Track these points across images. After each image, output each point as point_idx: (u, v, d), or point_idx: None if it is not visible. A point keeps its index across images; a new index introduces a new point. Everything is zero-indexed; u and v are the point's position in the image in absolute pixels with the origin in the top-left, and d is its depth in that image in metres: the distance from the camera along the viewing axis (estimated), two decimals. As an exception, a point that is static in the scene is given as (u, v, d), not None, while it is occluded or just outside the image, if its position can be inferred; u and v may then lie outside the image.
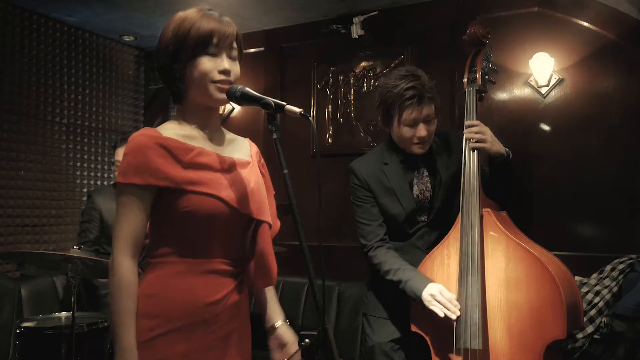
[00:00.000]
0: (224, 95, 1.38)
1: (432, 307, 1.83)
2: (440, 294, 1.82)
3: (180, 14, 1.40)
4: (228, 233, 1.41)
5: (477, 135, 1.95)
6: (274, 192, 1.59)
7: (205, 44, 1.35)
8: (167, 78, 1.42)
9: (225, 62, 1.37)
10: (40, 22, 3.75)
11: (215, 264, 1.39)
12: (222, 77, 1.37)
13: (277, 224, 1.54)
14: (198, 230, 1.37)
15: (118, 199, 1.34)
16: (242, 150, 1.54)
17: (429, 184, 2.10)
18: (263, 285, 1.48)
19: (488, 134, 1.97)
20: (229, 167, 1.42)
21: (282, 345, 1.52)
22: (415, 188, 2.10)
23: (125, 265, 1.31)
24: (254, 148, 1.58)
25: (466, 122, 1.99)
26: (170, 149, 1.33)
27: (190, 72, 1.37)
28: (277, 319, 1.55)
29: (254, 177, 1.47)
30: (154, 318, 1.33)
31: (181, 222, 1.35)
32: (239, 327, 1.46)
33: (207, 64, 1.36)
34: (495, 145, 1.97)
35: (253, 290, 1.58)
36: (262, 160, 1.60)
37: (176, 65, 1.37)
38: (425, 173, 2.11)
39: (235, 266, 1.44)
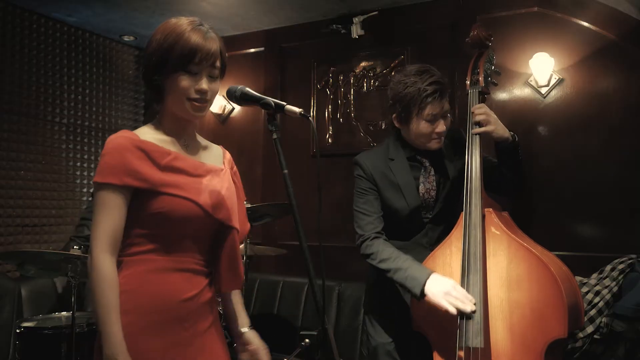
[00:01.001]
0: (198, 113, 1.42)
1: (441, 302, 1.79)
2: (454, 289, 1.79)
3: (172, 22, 1.41)
4: (199, 235, 1.45)
5: (481, 116, 1.96)
6: (244, 199, 1.64)
7: (186, 61, 1.37)
8: (148, 83, 1.45)
9: (203, 83, 1.39)
10: (40, 22, 3.75)
11: (187, 262, 1.43)
12: (197, 96, 1.39)
13: (247, 227, 1.60)
14: (171, 231, 1.40)
15: (95, 198, 1.36)
16: (216, 157, 1.57)
17: (434, 183, 2.10)
18: (230, 288, 1.50)
19: (492, 116, 1.98)
20: (204, 173, 1.46)
21: (252, 352, 1.56)
22: (421, 187, 2.09)
23: (105, 261, 1.33)
24: (227, 155, 1.62)
25: (472, 109, 2.01)
26: (147, 152, 1.36)
27: (169, 85, 1.40)
28: (244, 325, 1.58)
29: (226, 184, 1.51)
30: (127, 314, 1.35)
31: (156, 222, 1.38)
32: (212, 325, 1.49)
33: (185, 82, 1.38)
34: (499, 129, 1.97)
35: (220, 295, 1.60)
36: (235, 167, 1.63)
37: (156, 76, 1.40)
38: (432, 172, 2.11)
39: (207, 267, 1.48)
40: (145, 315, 1.36)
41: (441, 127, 2.00)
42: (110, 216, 1.34)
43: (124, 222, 1.37)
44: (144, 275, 1.38)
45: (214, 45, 1.40)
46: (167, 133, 1.46)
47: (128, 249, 1.40)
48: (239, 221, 1.53)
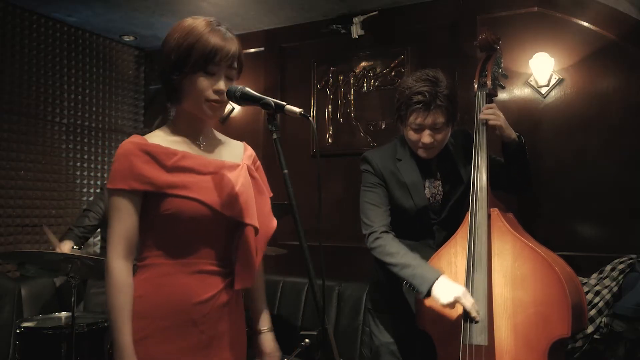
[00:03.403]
0: (215, 113, 1.42)
1: (449, 303, 1.79)
2: (464, 297, 1.78)
3: (189, 22, 1.40)
4: (213, 235, 1.43)
5: (491, 115, 1.97)
6: (271, 195, 1.59)
7: (206, 61, 1.36)
8: (164, 83, 1.44)
9: (221, 83, 1.39)
10: (40, 22, 3.75)
11: (201, 264, 1.41)
12: (216, 97, 1.39)
13: (273, 224, 1.55)
14: (182, 233, 1.39)
15: (109, 204, 1.38)
16: (233, 153, 1.55)
17: (440, 188, 2.10)
18: (242, 285, 1.47)
19: (500, 116, 1.99)
20: (215, 170, 1.44)
21: (263, 354, 1.56)
22: (426, 191, 2.09)
23: (118, 266, 1.35)
24: (249, 151, 1.60)
25: (482, 108, 2.02)
26: (153, 155, 1.36)
27: (187, 85, 1.39)
28: (264, 325, 1.59)
29: (242, 179, 1.47)
30: (142, 319, 1.36)
31: (166, 225, 1.38)
32: (231, 328, 1.47)
33: (203, 82, 1.38)
34: (508, 128, 2.00)
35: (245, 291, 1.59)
36: (258, 162, 1.61)
37: (174, 76, 1.39)
38: (438, 176, 2.10)
39: (224, 266, 1.45)
40: (159, 320, 1.36)
41: (426, 138, 1.96)
42: (122, 221, 1.36)
43: (137, 226, 1.38)
44: (156, 280, 1.38)
45: (234, 46, 1.40)
46: (181, 134, 1.45)
47: (141, 253, 1.41)
48: (262, 217, 1.49)
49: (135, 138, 1.39)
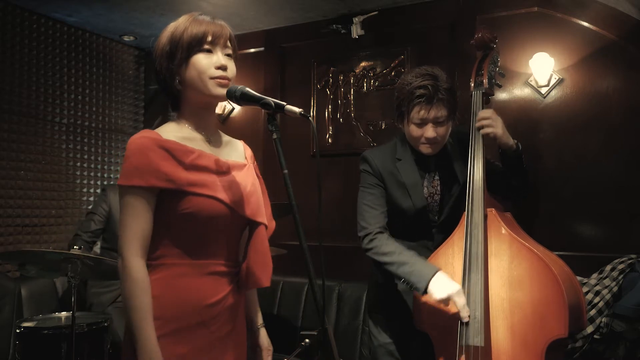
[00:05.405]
0: (223, 91, 1.39)
1: (443, 300, 1.80)
2: (457, 296, 1.79)
3: (173, 23, 1.43)
4: (227, 235, 1.43)
5: (486, 121, 1.96)
6: (266, 192, 1.61)
7: (199, 41, 1.37)
8: (164, 81, 1.42)
9: (221, 58, 1.39)
10: (40, 22, 3.75)
11: (214, 265, 1.41)
12: (219, 72, 1.38)
13: (272, 225, 1.56)
14: (198, 232, 1.38)
15: (122, 201, 1.34)
16: (238, 152, 1.56)
17: (438, 187, 2.09)
18: (256, 285, 1.47)
19: (498, 121, 1.97)
20: (226, 170, 1.44)
21: (257, 349, 1.57)
22: (425, 190, 2.09)
23: (136, 265, 1.32)
24: (248, 151, 1.60)
25: (479, 114, 2.00)
26: (171, 151, 1.34)
27: (187, 71, 1.38)
28: (260, 320, 1.61)
29: (251, 179, 1.48)
30: (156, 319, 1.34)
31: (182, 224, 1.36)
32: (235, 328, 1.48)
33: (203, 60, 1.38)
34: (505, 135, 1.98)
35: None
36: (255, 163, 1.62)
37: (172, 66, 1.38)
38: (437, 176, 2.10)
39: (233, 267, 1.46)
40: (171, 321, 1.35)
41: (430, 132, 1.96)
42: (139, 219, 1.32)
43: (152, 225, 1.35)
44: (169, 281, 1.37)
45: (223, 27, 1.42)
46: (189, 129, 1.44)
47: (153, 253, 1.38)
48: (266, 217, 1.50)
49: (148, 133, 1.37)
